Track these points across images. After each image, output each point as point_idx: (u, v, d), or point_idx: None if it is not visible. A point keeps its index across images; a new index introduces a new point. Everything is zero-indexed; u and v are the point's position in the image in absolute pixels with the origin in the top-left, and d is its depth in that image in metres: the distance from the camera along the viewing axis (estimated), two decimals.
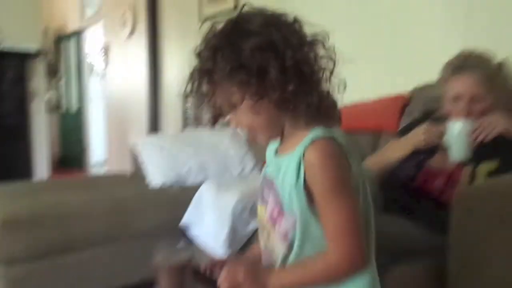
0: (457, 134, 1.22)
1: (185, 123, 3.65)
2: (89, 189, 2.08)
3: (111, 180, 2.35)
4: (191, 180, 2.33)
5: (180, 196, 2.07)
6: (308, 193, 0.68)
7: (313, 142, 0.67)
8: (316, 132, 0.68)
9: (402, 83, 1.92)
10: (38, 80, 3.33)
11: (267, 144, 0.77)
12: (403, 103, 1.83)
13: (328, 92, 0.70)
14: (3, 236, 1.54)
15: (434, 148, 1.37)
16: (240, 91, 0.67)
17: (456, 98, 1.29)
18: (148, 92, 4.01)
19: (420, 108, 1.69)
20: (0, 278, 1.54)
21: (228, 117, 0.74)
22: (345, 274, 0.69)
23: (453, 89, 1.30)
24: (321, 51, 0.68)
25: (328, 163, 0.66)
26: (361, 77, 2.16)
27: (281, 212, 0.71)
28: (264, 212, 0.76)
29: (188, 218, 1.86)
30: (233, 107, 0.70)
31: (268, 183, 0.75)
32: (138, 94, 4.29)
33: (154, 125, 3.98)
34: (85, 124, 5.88)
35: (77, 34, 5.71)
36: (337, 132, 0.69)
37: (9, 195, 1.89)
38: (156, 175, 2.27)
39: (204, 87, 0.70)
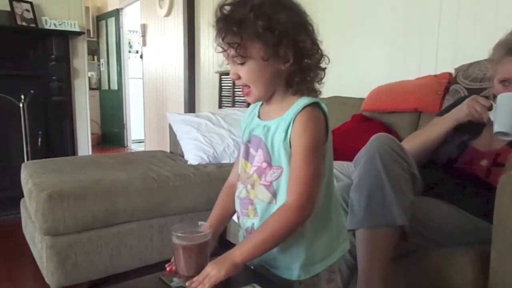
0: (507, 103, 1.14)
1: (221, 102, 3.68)
2: (130, 166, 2.15)
3: (150, 158, 2.41)
4: (227, 159, 2.36)
5: (216, 174, 2.10)
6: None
7: (304, 108, 0.78)
8: (305, 100, 0.79)
9: (447, 62, 1.84)
10: (80, 59, 3.43)
11: (255, 101, 0.87)
12: (448, 81, 1.75)
13: (319, 74, 0.83)
14: (50, 209, 1.61)
15: (479, 129, 1.30)
16: (261, 49, 0.76)
17: (508, 80, 1.21)
18: (185, 72, 4.05)
19: (466, 87, 1.61)
20: (46, 248, 1.63)
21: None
22: (297, 217, 0.77)
23: (506, 71, 1.21)
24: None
25: (310, 127, 0.78)
26: (404, 57, 2.10)
27: (269, 165, 0.82)
28: (249, 166, 0.87)
29: None
30: (245, 59, 0.78)
31: (256, 142, 0.85)
32: (175, 74, 4.35)
33: (191, 104, 4.04)
34: (124, 103, 6.04)
35: (116, 13, 5.81)
36: (321, 101, 0.81)
37: (55, 170, 1.98)
38: (193, 154, 2.32)
39: (229, 35, 0.76)
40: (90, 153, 3.58)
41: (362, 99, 2.10)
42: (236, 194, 0.91)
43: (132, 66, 6.03)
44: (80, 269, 1.68)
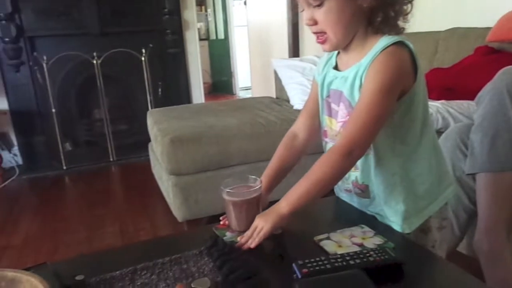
0: None
1: None
2: (239, 112, 2.25)
3: (257, 104, 2.49)
4: None
5: None
6: None
7: (383, 49, 0.71)
8: (385, 40, 0.72)
9: None
10: (189, 10, 3.58)
11: (332, 50, 0.79)
12: None
13: (405, 8, 0.74)
14: (173, 152, 1.80)
15: None
16: None
17: None
18: (288, 15, 3.97)
19: None
20: (172, 186, 1.84)
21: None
22: (344, 162, 0.72)
23: None
24: None
25: (387, 69, 0.70)
26: None
27: None
28: (334, 123, 0.83)
29: None
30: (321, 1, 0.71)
31: (337, 95, 0.80)
32: (278, 18, 4.29)
33: (295, 49, 3.98)
34: (231, 51, 6.21)
35: None
36: (405, 39, 0.73)
37: (175, 117, 2.17)
38: (298, 98, 2.33)
39: None
40: (203, 101, 3.82)
41: (488, 28, 1.85)
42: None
43: (237, 14, 6.10)
44: (201, 205, 1.87)
